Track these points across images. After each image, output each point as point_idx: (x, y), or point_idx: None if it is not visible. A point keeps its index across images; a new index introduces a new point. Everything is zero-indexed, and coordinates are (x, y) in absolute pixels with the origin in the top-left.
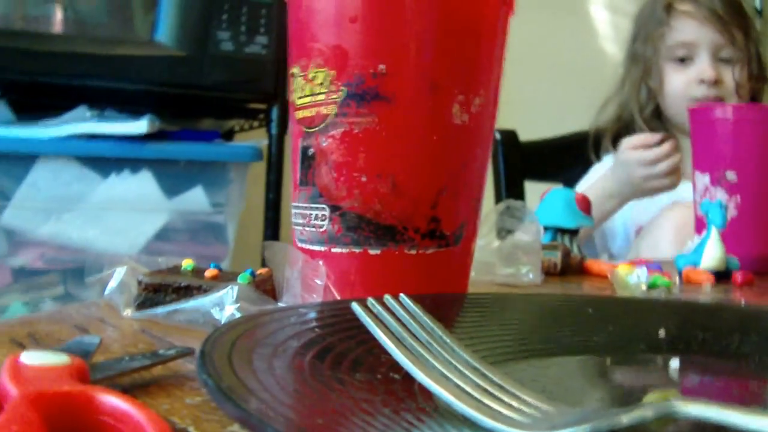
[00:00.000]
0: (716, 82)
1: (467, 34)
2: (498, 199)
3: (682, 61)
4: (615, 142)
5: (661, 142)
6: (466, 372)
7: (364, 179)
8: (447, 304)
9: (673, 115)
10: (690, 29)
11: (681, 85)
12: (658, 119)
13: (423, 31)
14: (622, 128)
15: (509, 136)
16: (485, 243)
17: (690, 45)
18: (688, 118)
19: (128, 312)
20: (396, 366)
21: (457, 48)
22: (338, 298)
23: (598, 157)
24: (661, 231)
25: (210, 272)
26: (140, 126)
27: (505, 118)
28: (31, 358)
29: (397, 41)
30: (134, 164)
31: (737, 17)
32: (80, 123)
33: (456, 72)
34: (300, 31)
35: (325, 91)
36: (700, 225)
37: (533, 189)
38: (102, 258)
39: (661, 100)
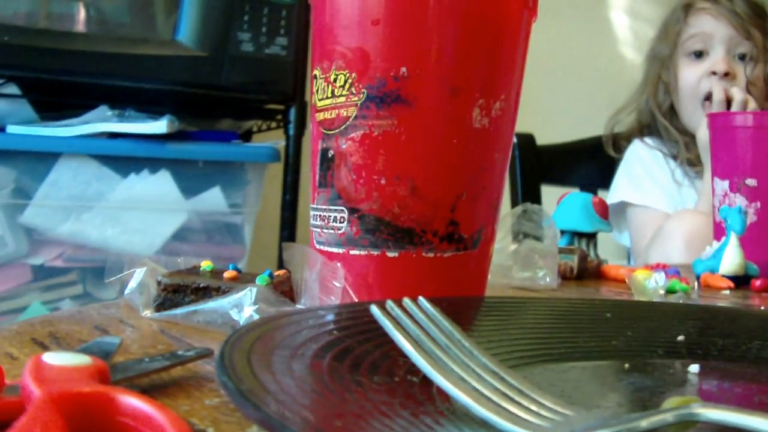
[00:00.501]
0: (727, 75)
1: (489, 38)
2: (514, 202)
3: (698, 56)
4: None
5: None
6: (485, 375)
7: (383, 182)
8: (465, 308)
9: (686, 114)
10: (707, 23)
11: (693, 79)
12: (675, 116)
13: (445, 34)
14: (644, 128)
15: (526, 140)
16: (502, 246)
17: (705, 36)
18: (708, 124)
19: (147, 312)
20: (414, 369)
21: (479, 52)
22: (356, 300)
23: (618, 151)
24: (671, 238)
25: (228, 273)
26: (160, 126)
27: (523, 122)
28: (53, 358)
29: (418, 45)
30: (153, 164)
31: (756, 17)
32: (101, 122)
33: (477, 76)
34: (323, 33)
35: (346, 93)
36: (719, 230)
37: (549, 193)
38: (122, 258)
39: (675, 97)
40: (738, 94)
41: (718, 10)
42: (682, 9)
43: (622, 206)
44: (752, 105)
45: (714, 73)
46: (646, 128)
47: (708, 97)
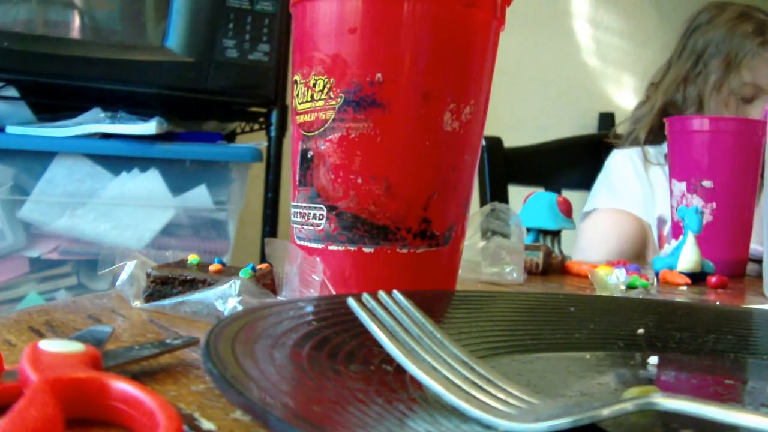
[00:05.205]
0: None
1: (460, 46)
2: (483, 202)
3: (745, 101)
4: (651, 132)
5: None
6: (455, 365)
7: (359, 181)
8: (437, 301)
9: None
10: (766, 74)
11: None
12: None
13: (418, 43)
14: (665, 116)
15: (495, 143)
16: (471, 243)
17: (759, 89)
18: (666, 128)
19: (137, 303)
20: (388, 358)
21: (450, 59)
22: (334, 293)
23: (638, 143)
24: (584, 236)
25: (214, 267)
26: (149, 127)
27: (491, 126)
28: (49, 345)
29: (393, 52)
30: (143, 163)
31: None
32: (94, 123)
33: (448, 82)
34: (303, 40)
35: (325, 97)
36: (677, 230)
37: (516, 192)
38: (114, 251)
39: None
40: None
41: None
42: (756, 42)
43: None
44: None
45: None
46: (667, 114)
47: None
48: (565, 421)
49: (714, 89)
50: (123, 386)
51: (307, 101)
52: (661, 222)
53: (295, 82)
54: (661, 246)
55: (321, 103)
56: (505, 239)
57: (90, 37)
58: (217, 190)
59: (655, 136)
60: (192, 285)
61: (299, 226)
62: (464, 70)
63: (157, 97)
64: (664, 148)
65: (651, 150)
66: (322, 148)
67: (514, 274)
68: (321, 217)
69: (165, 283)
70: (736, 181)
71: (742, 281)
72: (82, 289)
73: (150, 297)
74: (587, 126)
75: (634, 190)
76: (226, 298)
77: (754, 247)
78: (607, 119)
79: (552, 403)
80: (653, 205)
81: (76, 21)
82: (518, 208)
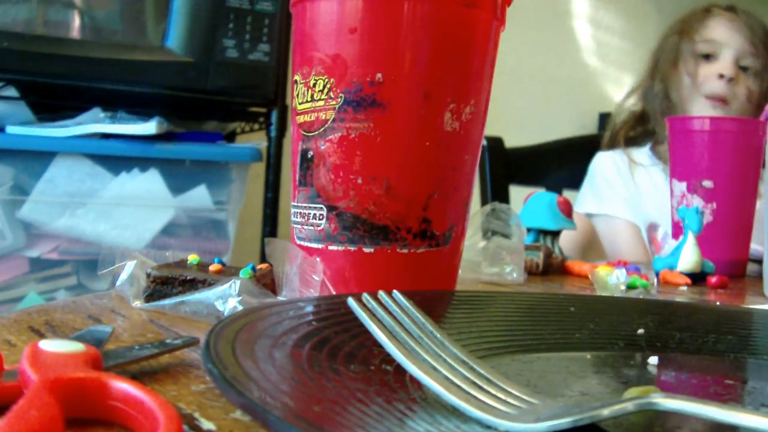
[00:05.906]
0: (732, 80)
1: (460, 46)
2: (484, 201)
3: (706, 58)
4: (633, 133)
5: None
6: (455, 365)
7: (359, 181)
8: (437, 301)
9: (686, 107)
10: (721, 29)
11: (700, 77)
12: (672, 109)
13: (418, 43)
14: (644, 115)
15: (495, 143)
16: (471, 243)
17: (716, 43)
18: (667, 127)
19: (137, 303)
20: (388, 358)
21: (450, 59)
22: (334, 293)
23: (617, 144)
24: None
25: (214, 267)
26: (149, 127)
27: (492, 126)
28: (49, 345)
29: (393, 52)
30: (143, 163)
31: (766, 38)
32: (94, 123)
33: (448, 82)
34: (303, 40)
35: (325, 97)
36: (677, 230)
37: (517, 192)
38: (114, 251)
39: (674, 91)
40: None
41: (735, 20)
42: (703, 12)
43: (588, 216)
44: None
45: (722, 76)
46: (644, 115)
47: (710, 97)
48: (565, 421)
49: (671, 62)
50: (123, 386)
51: (307, 101)
52: (652, 227)
53: (295, 82)
54: (656, 251)
55: (321, 103)
56: (505, 239)
57: (90, 37)
58: (217, 190)
59: (640, 138)
60: (192, 285)
61: (299, 226)
62: (464, 70)
63: (157, 97)
64: (646, 149)
65: (634, 152)
66: (322, 148)
67: (514, 274)
68: (321, 217)
69: (165, 283)
70: (737, 181)
71: (742, 281)
72: (82, 289)
73: (150, 297)
74: (587, 126)
75: (618, 192)
76: (226, 298)
77: (754, 247)
78: (607, 119)
79: (552, 403)
80: (641, 207)
81: (76, 21)
82: (518, 208)
